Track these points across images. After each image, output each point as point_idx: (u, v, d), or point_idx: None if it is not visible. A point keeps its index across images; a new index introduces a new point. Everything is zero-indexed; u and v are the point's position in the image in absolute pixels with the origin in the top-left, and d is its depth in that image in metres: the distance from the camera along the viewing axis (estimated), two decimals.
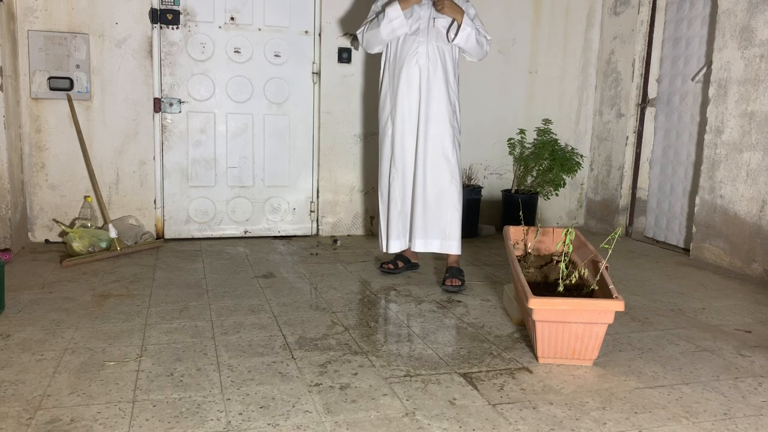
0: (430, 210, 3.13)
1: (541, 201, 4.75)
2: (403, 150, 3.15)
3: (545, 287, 2.39)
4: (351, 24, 4.22)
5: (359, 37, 3.23)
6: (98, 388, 1.90)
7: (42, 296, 2.82)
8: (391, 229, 3.23)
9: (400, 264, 3.38)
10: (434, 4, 3.02)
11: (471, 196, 4.32)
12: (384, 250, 3.29)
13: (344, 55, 4.25)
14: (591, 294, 2.28)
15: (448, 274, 3.14)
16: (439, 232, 3.14)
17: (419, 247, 3.16)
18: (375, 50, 3.24)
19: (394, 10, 3.02)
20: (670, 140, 4.36)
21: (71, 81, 3.79)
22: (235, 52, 4.08)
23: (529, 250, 2.69)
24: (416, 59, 3.08)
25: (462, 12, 3.01)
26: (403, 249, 3.27)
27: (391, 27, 3.05)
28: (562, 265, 2.32)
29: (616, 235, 2.38)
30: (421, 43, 3.07)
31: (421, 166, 3.12)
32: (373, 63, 4.27)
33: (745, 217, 3.58)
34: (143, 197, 4.05)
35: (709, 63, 3.95)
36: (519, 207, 4.30)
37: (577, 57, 4.86)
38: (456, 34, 3.03)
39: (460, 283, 3.08)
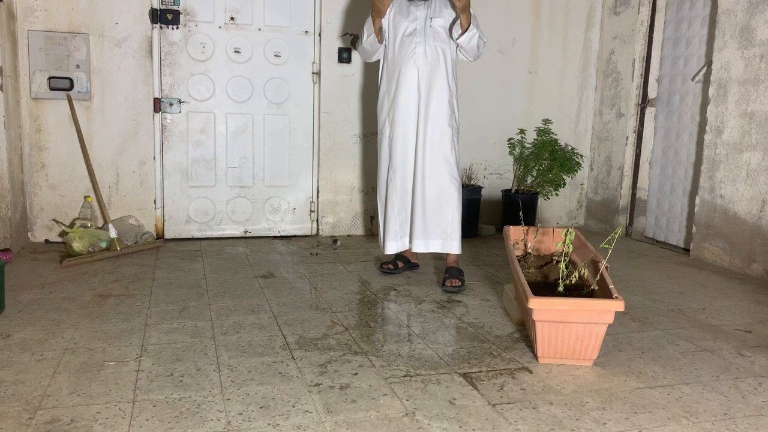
0: (430, 210, 3.12)
1: (541, 201, 4.75)
2: (400, 151, 3.15)
3: (545, 287, 2.39)
4: (351, 24, 4.22)
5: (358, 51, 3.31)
6: (98, 388, 1.90)
7: (42, 296, 2.82)
8: (387, 230, 3.23)
9: (400, 264, 3.38)
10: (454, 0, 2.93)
11: (471, 196, 4.32)
12: (382, 251, 3.30)
13: (344, 55, 4.25)
14: (591, 294, 2.28)
15: (447, 274, 3.14)
16: (440, 232, 3.13)
17: (419, 248, 3.16)
18: (372, 60, 3.31)
19: (368, 27, 3.15)
20: (670, 140, 4.36)
21: (71, 81, 3.79)
22: (235, 52, 4.08)
23: (529, 250, 2.69)
24: (414, 60, 3.08)
25: (470, 13, 3.00)
26: (400, 250, 3.26)
27: (369, 43, 3.18)
28: (562, 265, 2.32)
29: (616, 235, 2.38)
30: (418, 44, 3.07)
31: (420, 167, 3.11)
32: (373, 63, 4.26)
33: (745, 217, 3.58)
34: (143, 197, 4.04)
35: (709, 63, 3.95)
36: (519, 207, 4.30)
37: (577, 57, 4.86)
38: (461, 34, 3.02)
39: (460, 284, 3.08)
